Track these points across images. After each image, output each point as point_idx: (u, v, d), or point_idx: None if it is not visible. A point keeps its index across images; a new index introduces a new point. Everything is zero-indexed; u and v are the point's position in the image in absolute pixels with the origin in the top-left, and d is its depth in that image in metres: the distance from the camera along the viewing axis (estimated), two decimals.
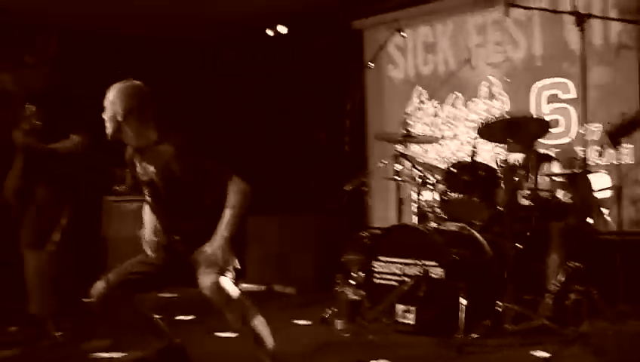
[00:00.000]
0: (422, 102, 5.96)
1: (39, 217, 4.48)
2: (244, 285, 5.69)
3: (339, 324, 4.06)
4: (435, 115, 5.89)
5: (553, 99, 5.18)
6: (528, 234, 4.07)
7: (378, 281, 4.16)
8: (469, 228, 4.21)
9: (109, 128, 3.19)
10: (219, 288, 2.98)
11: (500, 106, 5.45)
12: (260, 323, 3.12)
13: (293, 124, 6.73)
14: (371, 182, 4.90)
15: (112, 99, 3.18)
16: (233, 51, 7.16)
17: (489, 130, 4.04)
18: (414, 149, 4.75)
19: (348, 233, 4.91)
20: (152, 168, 3.17)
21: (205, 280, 2.99)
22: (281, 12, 6.28)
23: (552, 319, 3.67)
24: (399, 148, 4.64)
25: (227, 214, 3.05)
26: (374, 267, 4.19)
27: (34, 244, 4.44)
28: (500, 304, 3.76)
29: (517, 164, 4.24)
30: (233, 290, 3.04)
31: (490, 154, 5.26)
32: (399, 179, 4.64)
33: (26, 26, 6.09)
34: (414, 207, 4.53)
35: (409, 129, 4.63)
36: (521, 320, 3.72)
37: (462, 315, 3.69)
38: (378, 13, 6.07)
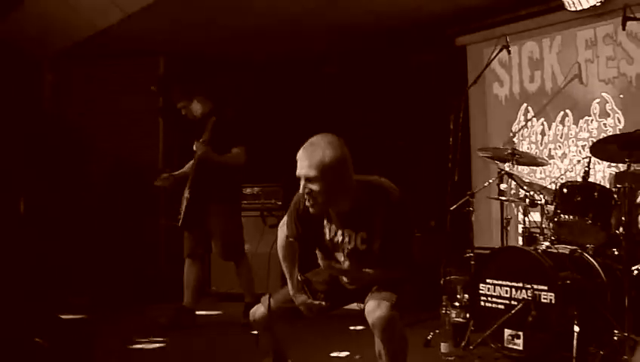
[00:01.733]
0: (528, 120, 5.77)
1: (227, 234, 5.03)
2: None
3: (443, 347, 3.96)
4: (543, 134, 5.69)
5: None
6: None
7: (484, 304, 4.03)
8: (580, 251, 4.03)
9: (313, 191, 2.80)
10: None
11: (614, 124, 5.20)
12: None
13: (394, 141, 6.67)
14: (475, 202, 4.77)
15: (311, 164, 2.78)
16: (333, 67, 7.20)
17: (604, 149, 3.85)
18: (520, 168, 4.59)
19: (451, 253, 4.80)
20: (350, 235, 2.93)
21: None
22: (384, 27, 6.26)
23: None
24: (505, 166, 4.51)
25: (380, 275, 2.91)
26: (481, 289, 4.06)
27: (235, 258, 5.12)
28: (617, 333, 3.56)
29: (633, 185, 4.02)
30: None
31: (604, 174, 5.05)
32: (504, 198, 4.51)
33: (137, 49, 6.41)
34: (520, 228, 4.38)
35: (515, 148, 4.50)
36: None
37: (574, 343, 3.52)
38: (483, 29, 5.96)
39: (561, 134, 5.57)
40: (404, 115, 6.55)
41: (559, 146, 5.57)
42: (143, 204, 6.45)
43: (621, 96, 5.16)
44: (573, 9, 5.19)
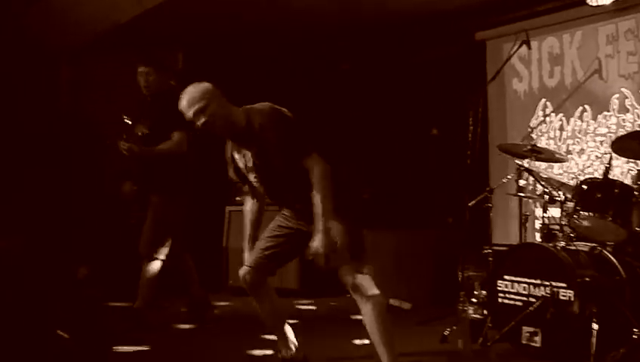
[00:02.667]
0: (547, 115, 5.73)
1: (154, 228, 4.66)
2: None
3: (460, 343, 3.95)
4: (561, 129, 5.65)
5: None
6: None
7: (502, 301, 4.01)
8: (600, 248, 4.00)
9: (203, 128, 3.25)
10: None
11: (633, 120, 5.16)
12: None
13: (413, 136, 6.66)
14: (493, 198, 4.75)
15: (191, 103, 3.22)
16: (350, 62, 7.19)
17: (625, 145, 3.82)
18: (537, 164, 4.57)
19: (468, 249, 4.78)
20: (250, 151, 3.27)
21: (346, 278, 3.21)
22: (402, 21, 6.23)
23: None
24: (524, 162, 4.48)
25: (319, 205, 3.11)
26: (498, 286, 4.04)
27: (147, 256, 4.67)
28: (637, 331, 3.53)
29: None
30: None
31: (622, 170, 5.01)
32: (523, 195, 4.48)
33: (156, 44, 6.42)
34: (538, 225, 4.36)
35: (534, 143, 4.47)
36: None
37: (593, 341, 3.50)
38: (502, 24, 5.92)
39: (580, 130, 5.53)
40: (422, 110, 6.53)
41: (577, 142, 5.53)
42: None
43: None
44: (594, 4, 5.14)
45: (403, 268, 5.69)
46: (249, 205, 3.56)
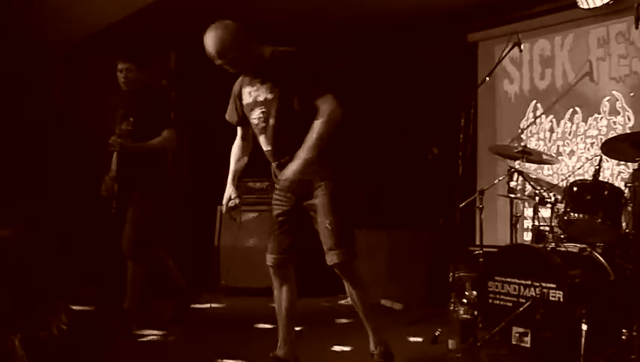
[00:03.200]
0: (537, 117, 5.76)
1: (137, 227, 4.64)
2: (347, 299, 5.69)
3: (451, 344, 3.97)
4: (551, 131, 5.68)
5: None
6: None
7: (492, 301, 4.04)
8: (590, 249, 4.03)
9: (229, 66, 3.26)
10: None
11: (623, 122, 5.19)
12: None
13: (404, 137, 6.67)
14: (484, 199, 4.77)
15: (216, 42, 3.22)
16: (343, 62, 7.20)
17: (615, 147, 3.85)
18: (527, 165, 4.60)
19: (459, 250, 4.81)
20: (265, 84, 3.28)
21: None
22: (395, 22, 6.25)
23: None
24: (514, 164, 4.51)
25: (311, 137, 3.13)
26: (489, 286, 4.07)
27: (132, 255, 4.66)
28: (626, 332, 3.56)
29: None
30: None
31: (612, 172, 5.04)
32: (513, 196, 4.51)
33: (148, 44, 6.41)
34: (529, 226, 4.38)
35: (525, 144, 4.50)
36: None
37: (582, 341, 3.52)
38: (495, 25, 5.94)
39: (570, 131, 5.56)
40: (414, 111, 6.55)
41: (567, 143, 5.56)
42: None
43: (632, 94, 5.14)
44: (586, 7, 5.17)
45: (395, 269, 5.70)
46: (237, 143, 3.60)
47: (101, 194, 4.77)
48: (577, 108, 5.50)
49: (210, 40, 3.24)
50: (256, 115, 3.35)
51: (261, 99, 3.30)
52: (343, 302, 5.53)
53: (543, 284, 3.79)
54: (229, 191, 3.52)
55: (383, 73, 6.84)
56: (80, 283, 5.86)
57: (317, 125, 3.14)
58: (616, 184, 4.50)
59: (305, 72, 3.24)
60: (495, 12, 5.91)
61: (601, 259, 3.92)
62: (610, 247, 4.03)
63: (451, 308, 4.16)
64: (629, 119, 5.16)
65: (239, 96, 3.44)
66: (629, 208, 3.87)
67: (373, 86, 6.92)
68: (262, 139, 3.40)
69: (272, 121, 3.29)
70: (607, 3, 5.05)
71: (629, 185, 3.88)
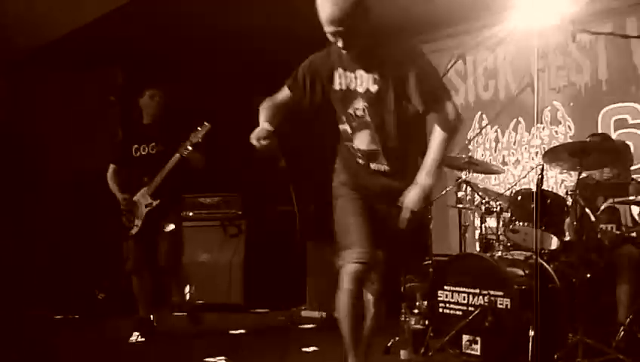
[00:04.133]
0: (482, 127, 5.90)
1: (178, 242, 4.89)
2: (304, 312, 5.70)
3: (403, 354, 4.02)
4: (497, 141, 5.82)
5: (622, 124, 5.07)
6: (598, 263, 3.96)
7: (443, 311, 4.10)
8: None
9: (341, 38, 2.65)
10: None
11: (564, 132, 5.36)
12: None
13: None
14: (433, 209, 4.86)
15: (336, 13, 2.59)
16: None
17: (556, 157, 3.96)
18: (474, 175, 4.70)
19: (410, 261, 4.86)
20: (371, 74, 2.75)
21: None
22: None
23: (625, 352, 3.56)
24: (462, 174, 4.59)
25: (434, 151, 2.73)
26: (439, 296, 4.14)
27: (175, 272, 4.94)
28: (571, 336, 3.67)
29: (585, 191, 4.16)
30: None
31: (557, 180, 5.19)
32: (461, 206, 4.60)
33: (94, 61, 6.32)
34: (477, 235, 4.48)
35: (471, 155, 4.60)
36: (594, 354, 3.60)
37: (530, 346, 3.61)
38: (439, 39, 6.06)
39: (514, 141, 5.71)
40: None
41: (512, 153, 5.71)
42: (102, 215, 6.35)
43: (571, 104, 5.32)
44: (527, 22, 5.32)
45: None
46: (269, 99, 3.01)
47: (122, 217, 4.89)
48: (521, 119, 5.66)
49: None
50: (358, 107, 2.82)
51: (363, 90, 2.78)
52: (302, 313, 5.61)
53: (491, 292, 3.88)
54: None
55: None
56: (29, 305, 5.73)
57: (438, 141, 2.75)
58: (560, 192, 4.64)
59: (427, 68, 2.78)
60: (439, 26, 6.03)
61: (547, 266, 4.03)
62: (554, 255, 4.15)
63: (402, 318, 4.21)
64: (569, 128, 5.33)
65: (328, 78, 2.86)
66: (571, 216, 3.99)
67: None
68: (361, 137, 2.88)
69: (380, 118, 2.80)
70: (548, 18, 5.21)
71: (570, 193, 4.00)
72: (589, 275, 3.88)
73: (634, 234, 4.01)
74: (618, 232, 4.05)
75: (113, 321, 5.43)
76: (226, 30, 5.96)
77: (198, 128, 4.69)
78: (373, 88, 2.76)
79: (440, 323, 4.09)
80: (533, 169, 5.31)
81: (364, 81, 2.77)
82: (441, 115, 2.75)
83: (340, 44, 2.68)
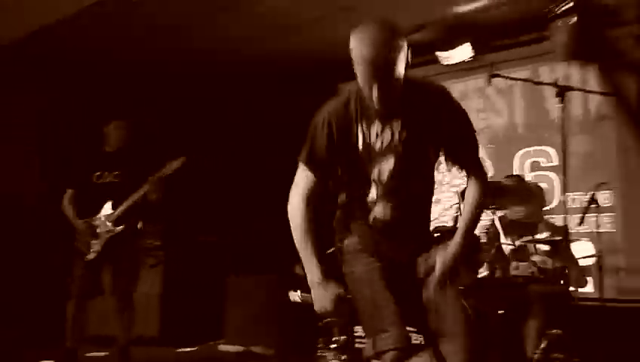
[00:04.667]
0: None
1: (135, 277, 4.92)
2: (223, 346, 5.61)
3: None
4: None
5: (536, 166, 5.26)
6: (510, 299, 4.06)
7: (360, 346, 4.10)
8: None
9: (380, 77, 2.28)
10: None
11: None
12: None
13: (267, 182, 6.72)
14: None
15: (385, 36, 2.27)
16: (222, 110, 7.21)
17: None
18: None
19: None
20: (392, 123, 2.40)
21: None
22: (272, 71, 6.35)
23: None
24: None
25: (469, 215, 2.62)
26: (356, 331, 4.14)
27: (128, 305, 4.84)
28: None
29: (499, 229, 4.27)
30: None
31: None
32: None
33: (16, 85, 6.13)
34: None
35: None
36: None
37: None
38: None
39: (436, 181, 5.81)
40: (283, 155, 6.60)
41: (434, 192, 5.81)
42: (23, 241, 6.09)
43: (490, 145, 5.49)
44: (446, 63, 5.50)
45: (264, 314, 5.67)
46: (306, 203, 2.53)
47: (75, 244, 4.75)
48: (441, 159, 5.77)
49: (377, 33, 2.28)
50: (386, 164, 2.47)
51: (388, 142, 2.44)
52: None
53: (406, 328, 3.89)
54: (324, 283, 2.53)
55: (262, 120, 6.92)
56: None
57: (474, 204, 2.65)
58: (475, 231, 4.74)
59: (462, 124, 2.53)
60: None
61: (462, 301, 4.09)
62: (468, 290, 4.21)
63: (319, 353, 4.18)
64: (487, 170, 5.47)
65: (347, 133, 2.44)
66: (486, 253, 4.09)
67: (252, 131, 6.97)
68: (377, 192, 2.54)
69: (406, 183, 2.57)
70: (464, 60, 5.41)
71: (484, 231, 4.10)
72: (501, 311, 3.96)
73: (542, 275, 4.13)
74: (530, 270, 4.16)
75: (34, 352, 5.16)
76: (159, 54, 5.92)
77: (173, 161, 4.65)
78: (398, 138, 2.45)
79: (357, 358, 4.08)
80: (452, 207, 5.42)
81: (388, 132, 2.44)
82: (474, 179, 2.68)
83: (375, 92, 2.32)
